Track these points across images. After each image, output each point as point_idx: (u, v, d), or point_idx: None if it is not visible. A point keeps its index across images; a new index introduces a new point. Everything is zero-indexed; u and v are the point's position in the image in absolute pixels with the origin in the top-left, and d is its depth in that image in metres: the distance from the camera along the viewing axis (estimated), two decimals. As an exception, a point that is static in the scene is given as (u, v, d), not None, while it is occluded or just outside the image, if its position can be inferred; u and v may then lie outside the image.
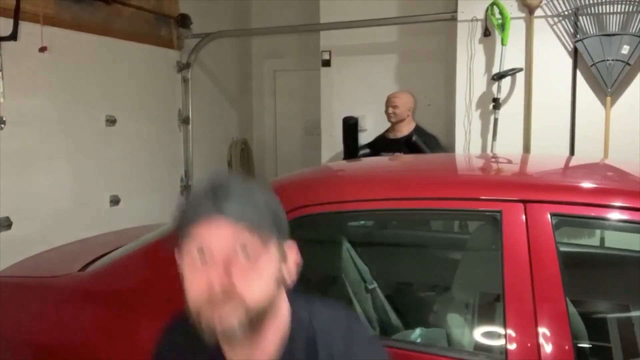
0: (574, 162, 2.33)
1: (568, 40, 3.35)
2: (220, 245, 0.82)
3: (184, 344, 0.95)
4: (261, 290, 0.84)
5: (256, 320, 0.84)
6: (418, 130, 3.70)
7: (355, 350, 0.90)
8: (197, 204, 0.84)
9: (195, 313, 0.83)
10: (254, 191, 0.86)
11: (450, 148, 3.70)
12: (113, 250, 1.92)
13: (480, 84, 3.56)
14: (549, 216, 1.35)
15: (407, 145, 3.59)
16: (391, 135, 3.76)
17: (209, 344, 0.87)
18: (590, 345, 1.50)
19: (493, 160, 2.36)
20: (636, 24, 3.18)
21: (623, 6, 3.21)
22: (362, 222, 2.17)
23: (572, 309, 1.38)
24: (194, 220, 0.83)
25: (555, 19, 3.37)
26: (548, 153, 3.07)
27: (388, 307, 1.83)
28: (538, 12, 3.38)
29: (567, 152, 3.36)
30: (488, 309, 1.53)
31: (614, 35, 3.21)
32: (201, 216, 0.82)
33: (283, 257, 0.89)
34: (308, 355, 0.89)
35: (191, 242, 0.83)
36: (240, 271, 0.82)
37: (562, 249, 1.39)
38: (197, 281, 0.83)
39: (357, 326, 0.95)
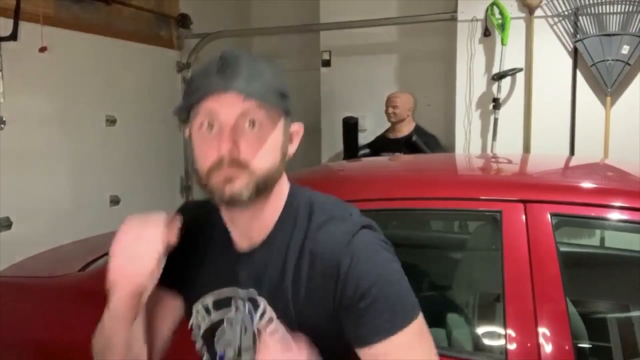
0: (574, 162, 2.33)
1: (568, 40, 3.35)
2: (229, 118, 0.85)
3: (209, 210, 0.99)
4: (266, 160, 0.88)
5: (262, 188, 0.88)
6: (418, 130, 3.70)
7: (346, 230, 0.90)
8: (208, 78, 0.86)
9: (204, 179, 0.88)
10: (264, 69, 0.88)
11: (450, 148, 3.70)
12: (113, 250, 1.92)
13: (480, 84, 3.56)
14: (549, 216, 1.35)
15: (407, 145, 3.59)
16: (391, 135, 3.76)
17: (217, 206, 0.93)
18: (590, 345, 1.50)
19: (493, 160, 2.36)
20: (636, 24, 3.18)
21: (623, 6, 3.21)
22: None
23: (572, 309, 1.38)
24: (205, 94, 0.85)
25: (555, 19, 3.37)
26: (548, 153, 3.07)
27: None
28: (538, 12, 3.38)
29: (567, 152, 3.36)
30: (488, 309, 1.53)
31: (614, 35, 3.21)
32: (212, 91, 0.84)
33: (288, 136, 0.94)
34: (304, 233, 0.91)
35: (202, 114, 0.87)
36: (248, 141, 0.86)
37: (562, 249, 1.40)
38: (207, 150, 0.87)
39: (355, 214, 0.96)
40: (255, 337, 0.93)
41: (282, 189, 0.95)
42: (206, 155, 0.87)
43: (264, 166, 0.87)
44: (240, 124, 0.85)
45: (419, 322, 0.88)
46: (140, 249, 0.89)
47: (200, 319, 1.00)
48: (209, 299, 0.99)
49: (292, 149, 0.96)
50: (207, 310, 0.99)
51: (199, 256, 1.00)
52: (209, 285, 0.99)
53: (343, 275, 0.86)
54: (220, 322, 0.98)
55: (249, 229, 0.94)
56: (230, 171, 0.85)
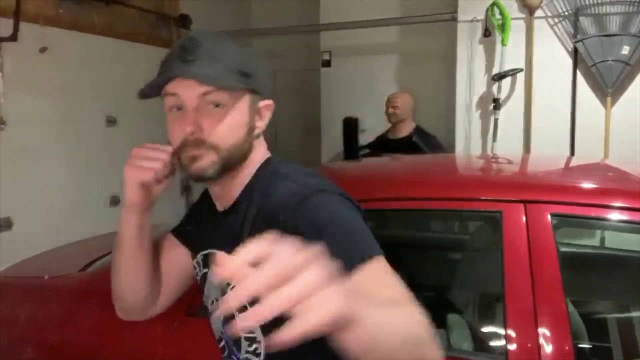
0: (574, 162, 2.33)
1: (568, 40, 3.35)
2: (191, 102, 0.91)
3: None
4: (230, 137, 0.93)
5: (228, 163, 0.94)
6: (418, 130, 3.70)
7: (298, 191, 0.90)
8: (172, 62, 0.92)
9: (175, 157, 0.96)
10: (225, 51, 0.93)
11: (450, 148, 3.70)
12: (113, 251, 1.92)
13: (480, 85, 3.56)
14: (549, 216, 1.35)
15: (408, 145, 3.58)
16: (391, 136, 3.76)
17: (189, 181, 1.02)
18: (591, 346, 1.50)
19: (493, 160, 2.36)
20: (636, 24, 3.18)
21: (623, 6, 3.21)
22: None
23: (572, 309, 1.38)
24: (168, 78, 0.92)
25: (556, 20, 3.37)
26: (548, 153, 3.07)
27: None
28: (538, 12, 3.38)
29: (567, 152, 3.36)
30: (488, 309, 1.53)
31: (614, 35, 3.21)
32: (173, 76, 0.91)
33: (256, 112, 0.98)
34: (262, 195, 0.95)
35: (168, 97, 0.94)
36: (210, 121, 0.91)
37: (563, 249, 1.40)
38: (175, 129, 0.94)
39: (315, 180, 0.96)
40: None
41: (252, 161, 1.00)
42: (173, 136, 0.94)
43: (227, 143, 0.92)
44: (202, 105, 0.91)
45: (382, 262, 0.84)
46: (147, 154, 0.99)
47: (197, 273, 1.10)
48: (200, 256, 1.08)
49: (262, 123, 1.00)
50: (199, 265, 1.09)
51: (201, 218, 1.11)
52: (198, 243, 1.09)
53: (291, 222, 0.86)
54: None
55: (221, 196, 1.02)
56: (195, 151, 0.92)
